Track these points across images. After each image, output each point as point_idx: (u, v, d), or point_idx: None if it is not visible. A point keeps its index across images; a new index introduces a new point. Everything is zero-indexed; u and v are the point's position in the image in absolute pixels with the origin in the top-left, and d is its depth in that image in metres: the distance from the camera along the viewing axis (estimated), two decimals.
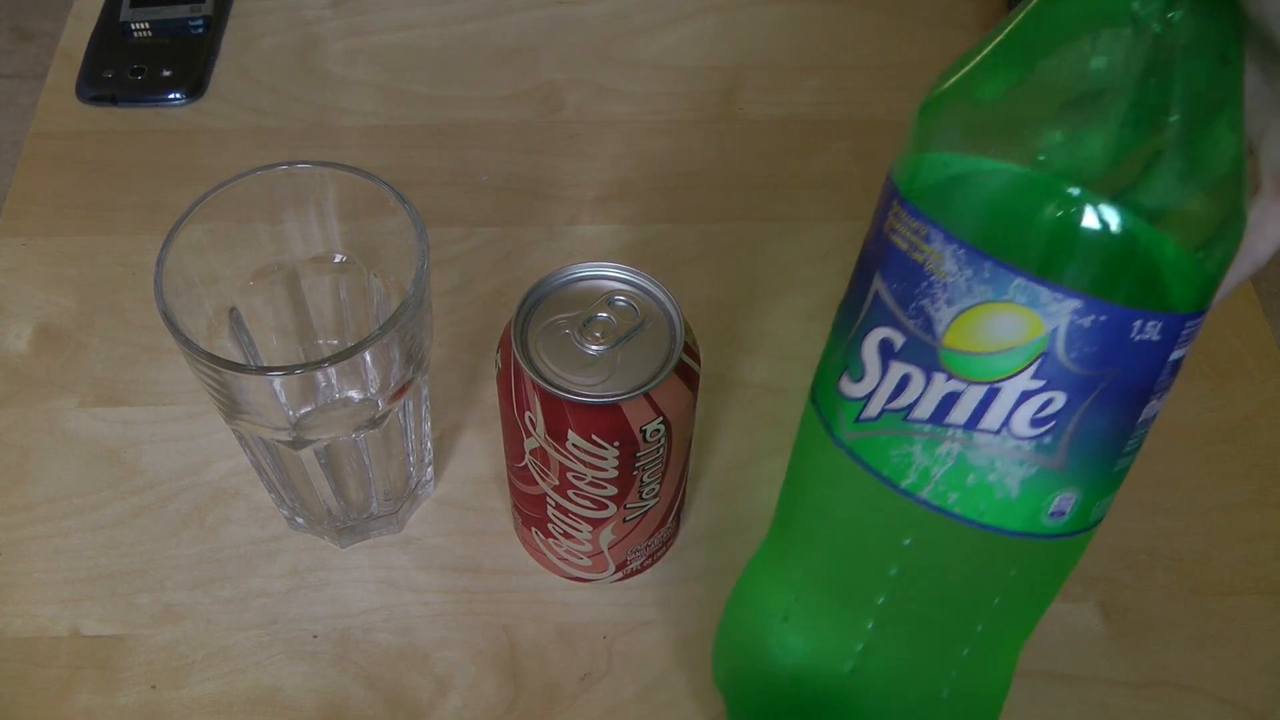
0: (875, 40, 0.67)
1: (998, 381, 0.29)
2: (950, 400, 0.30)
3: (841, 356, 0.33)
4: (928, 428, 0.30)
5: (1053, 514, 0.31)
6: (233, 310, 0.44)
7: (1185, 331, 0.30)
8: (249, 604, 0.47)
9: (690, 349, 0.40)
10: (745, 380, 0.53)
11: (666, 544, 0.48)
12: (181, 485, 0.50)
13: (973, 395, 0.30)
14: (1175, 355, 0.30)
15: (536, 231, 0.59)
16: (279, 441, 0.42)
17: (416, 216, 0.41)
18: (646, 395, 0.38)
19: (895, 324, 0.31)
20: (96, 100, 0.63)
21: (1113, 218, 0.28)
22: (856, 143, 0.62)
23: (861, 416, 0.32)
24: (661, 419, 0.39)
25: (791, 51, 0.67)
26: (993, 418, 0.30)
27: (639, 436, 0.38)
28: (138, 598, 0.47)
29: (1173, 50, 0.28)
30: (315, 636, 0.46)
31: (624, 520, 0.43)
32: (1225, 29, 0.28)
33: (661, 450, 0.40)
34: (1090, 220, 0.28)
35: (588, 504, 0.42)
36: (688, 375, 0.40)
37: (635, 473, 0.40)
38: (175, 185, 0.60)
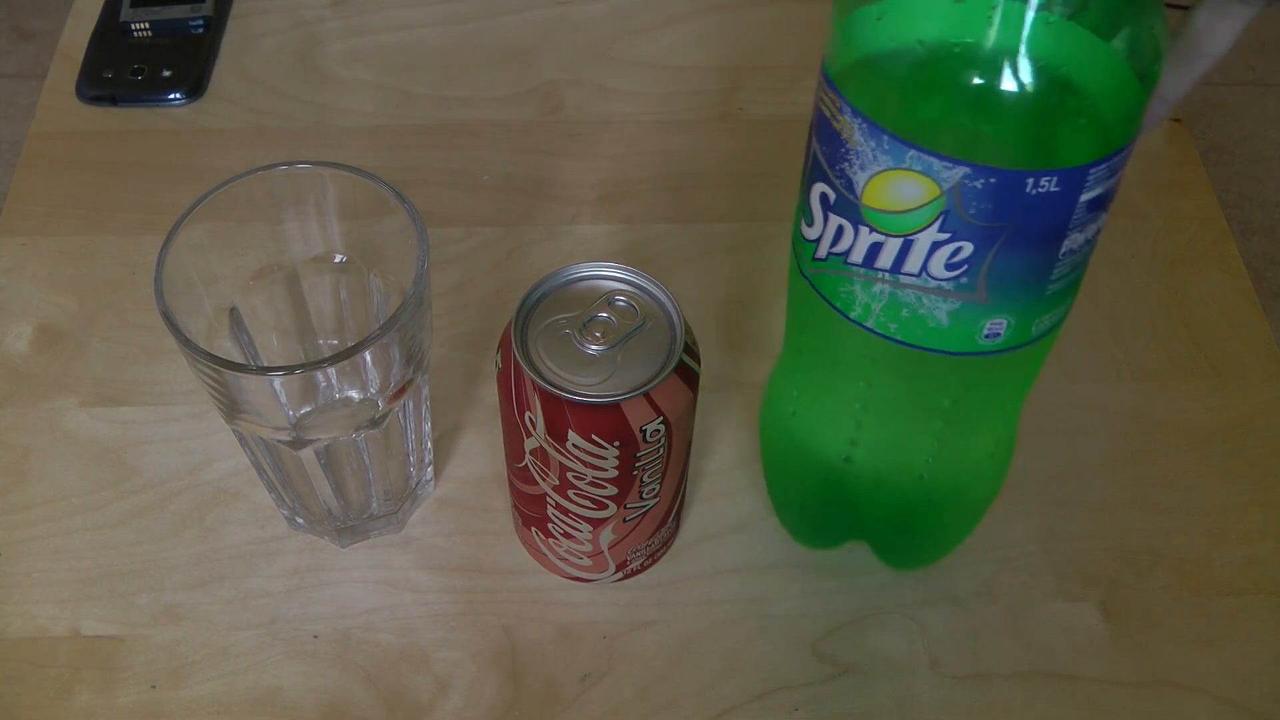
0: None
1: (910, 235, 0.32)
2: (876, 249, 0.33)
3: (800, 204, 0.36)
4: (861, 271, 0.34)
5: (987, 336, 0.34)
6: (233, 310, 0.44)
7: (1092, 176, 0.31)
8: (249, 604, 0.47)
9: (690, 349, 0.40)
10: (745, 380, 0.53)
11: (666, 544, 0.48)
12: (181, 485, 0.50)
13: (892, 245, 0.33)
14: (1090, 195, 0.31)
15: (536, 231, 0.59)
16: (279, 441, 0.42)
17: (416, 216, 0.41)
18: (646, 395, 0.38)
19: (828, 181, 0.34)
20: (96, 100, 0.63)
21: (1002, 72, 0.29)
22: None
23: (815, 256, 0.36)
24: (661, 419, 0.39)
25: (791, 51, 0.67)
26: (912, 263, 0.33)
27: (639, 436, 0.38)
28: (138, 598, 0.47)
29: None
30: (315, 636, 0.46)
31: (624, 520, 0.43)
32: None
33: (661, 450, 0.40)
34: (975, 79, 0.30)
35: (588, 504, 0.42)
36: (688, 375, 0.40)
37: (635, 473, 0.40)
38: (175, 185, 0.60)
